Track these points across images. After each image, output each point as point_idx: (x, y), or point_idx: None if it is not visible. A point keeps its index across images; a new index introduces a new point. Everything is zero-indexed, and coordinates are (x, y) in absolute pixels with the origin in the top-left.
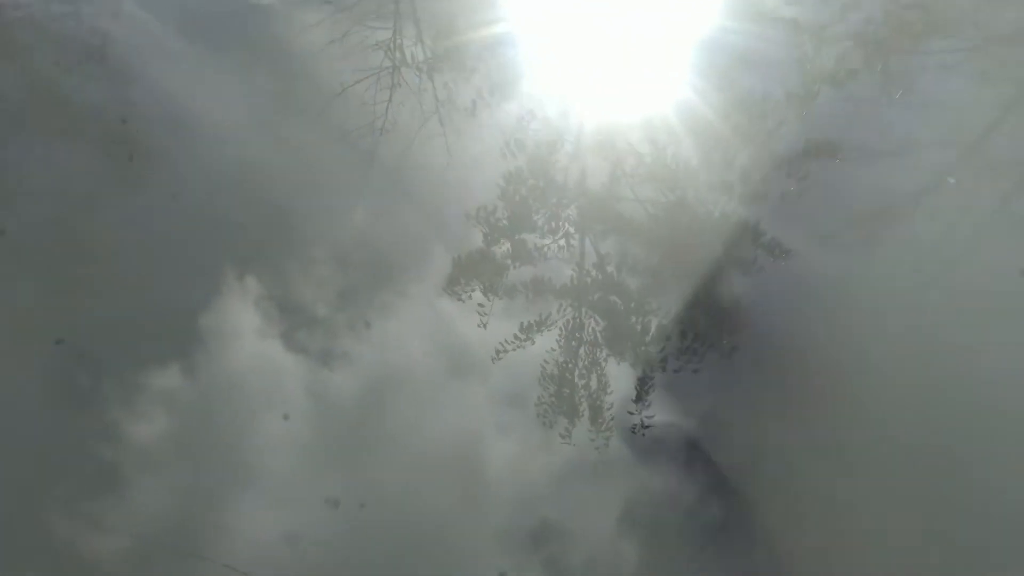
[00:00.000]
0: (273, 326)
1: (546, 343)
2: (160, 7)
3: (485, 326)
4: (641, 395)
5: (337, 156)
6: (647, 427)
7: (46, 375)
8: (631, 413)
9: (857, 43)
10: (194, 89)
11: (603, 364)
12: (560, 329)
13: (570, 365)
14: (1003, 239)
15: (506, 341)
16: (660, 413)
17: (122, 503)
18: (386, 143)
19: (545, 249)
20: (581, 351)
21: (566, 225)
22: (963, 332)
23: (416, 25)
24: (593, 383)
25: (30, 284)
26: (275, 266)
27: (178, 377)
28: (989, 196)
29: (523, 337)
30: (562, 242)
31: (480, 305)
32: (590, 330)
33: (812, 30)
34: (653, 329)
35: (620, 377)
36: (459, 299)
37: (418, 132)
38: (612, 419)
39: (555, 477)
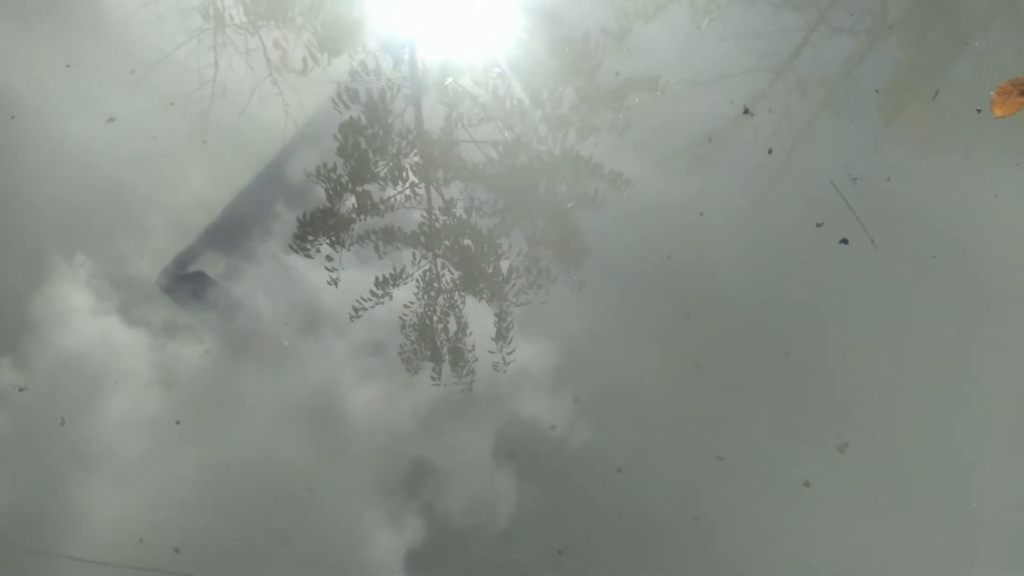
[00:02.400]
0: (108, 303)
1: (403, 294)
2: None
3: (337, 283)
4: (500, 333)
5: (167, 126)
6: (507, 364)
7: None
8: (491, 352)
9: None
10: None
11: (460, 307)
12: (416, 280)
13: (428, 312)
14: (815, 151)
15: (363, 297)
16: (519, 348)
17: None
18: (218, 108)
19: (391, 200)
20: (439, 299)
21: (408, 174)
22: (793, 241)
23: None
24: (452, 326)
25: None
26: (109, 243)
27: (7, 366)
28: (800, 115)
29: (379, 292)
30: (407, 191)
31: (330, 260)
32: (446, 278)
33: None
34: (505, 269)
35: (477, 318)
36: (308, 257)
37: (251, 95)
38: (475, 360)
39: (423, 421)
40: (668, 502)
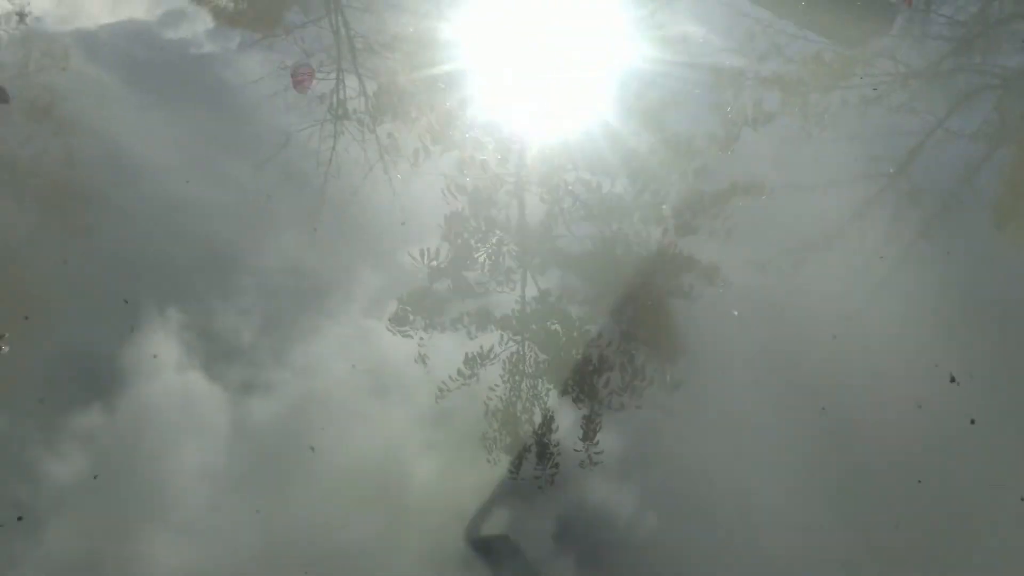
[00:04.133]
0: (196, 357)
1: (489, 376)
2: (108, 61)
3: (424, 360)
4: (586, 431)
5: (281, 201)
6: (593, 463)
7: None
8: (576, 451)
9: (777, 86)
10: (141, 138)
11: (545, 397)
12: (503, 362)
13: (514, 399)
14: (924, 263)
15: (450, 378)
16: (604, 448)
17: (34, 544)
18: (330, 189)
19: (487, 285)
20: (524, 384)
21: (507, 262)
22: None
23: (359, 78)
24: (537, 416)
25: None
26: (209, 302)
27: (96, 412)
28: (912, 223)
29: (467, 372)
30: (503, 278)
31: (422, 340)
32: (532, 361)
33: (732, 74)
34: (595, 360)
35: (563, 409)
36: (405, 336)
37: (363, 179)
38: (558, 453)
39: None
40: None
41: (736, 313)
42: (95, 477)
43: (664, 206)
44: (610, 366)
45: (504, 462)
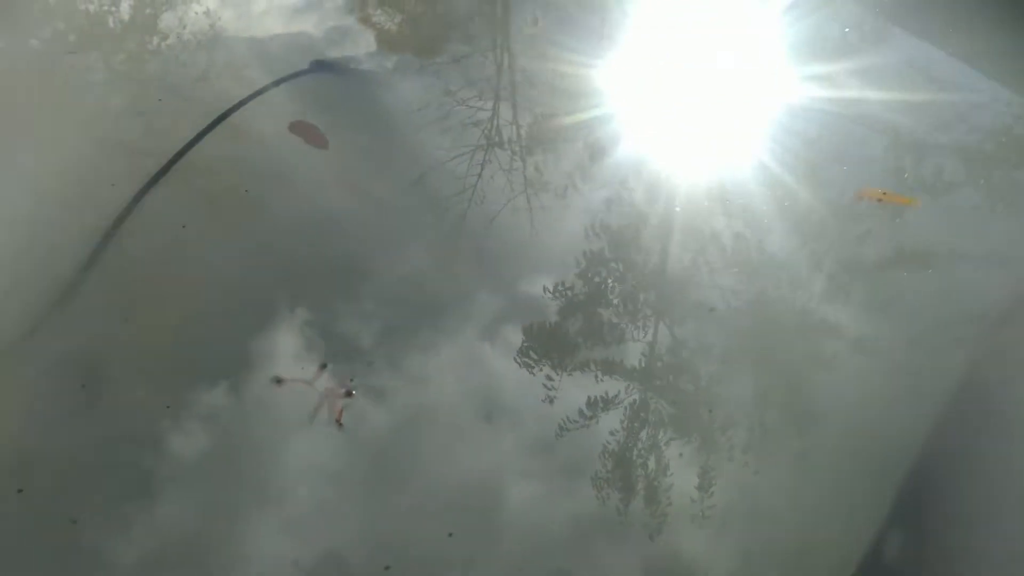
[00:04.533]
0: (315, 353)
1: (610, 421)
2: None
3: (552, 401)
4: (703, 485)
5: (423, 221)
6: (706, 517)
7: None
8: (692, 501)
9: (960, 155)
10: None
11: (664, 447)
12: (626, 408)
13: (631, 444)
14: None
15: (570, 418)
16: (719, 504)
17: (149, 512)
18: (472, 213)
19: (619, 329)
20: (644, 432)
21: (643, 308)
22: None
23: (514, 109)
24: (652, 464)
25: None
26: (334, 307)
27: (221, 395)
28: None
29: (588, 414)
30: (637, 324)
31: (548, 378)
32: (656, 412)
33: (912, 137)
34: (720, 420)
35: (682, 464)
36: (529, 370)
37: (504, 206)
38: (669, 503)
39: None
40: None
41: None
42: (205, 460)
43: (821, 269)
44: (736, 428)
45: (612, 501)
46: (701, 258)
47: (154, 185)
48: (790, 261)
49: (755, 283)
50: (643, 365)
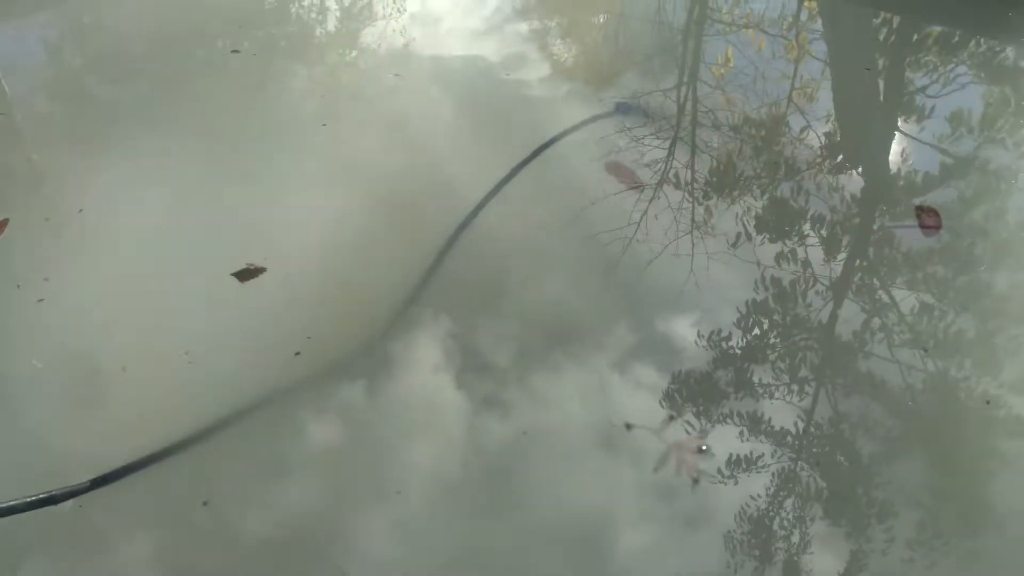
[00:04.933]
0: (452, 362)
1: (751, 484)
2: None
3: (700, 449)
4: (847, 572)
5: (580, 252)
6: None
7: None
8: None
9: None
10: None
11: (809, 523)
12: (772, 474)
13: (772, 512)
14: None
15: (707, 472)
16: None
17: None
18: (632, 251)
19: (774, 389)
20: (789, 502)
21: (804, 371)
22: None
23: (692, 151)
24: (795, 539)
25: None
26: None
27: (359, 390)
28: None
29: (727, 473)
30: (795, 387)
31: (690, 424)
32: (805, 484)
33: None
34: (878, 506)
35: (831, 545)
36: (670, 414)
37: (666, 248)
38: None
39: None
40: None
41: None
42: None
43: (1017, 355)
44: (896, 518)
45: (747, 567)
46: (878, 324)
47: None
48: (978, 339)
49: (936, 362)
50: (798, 431)
